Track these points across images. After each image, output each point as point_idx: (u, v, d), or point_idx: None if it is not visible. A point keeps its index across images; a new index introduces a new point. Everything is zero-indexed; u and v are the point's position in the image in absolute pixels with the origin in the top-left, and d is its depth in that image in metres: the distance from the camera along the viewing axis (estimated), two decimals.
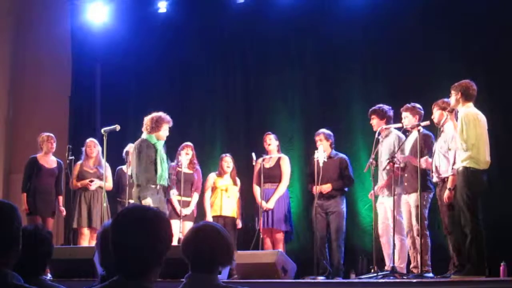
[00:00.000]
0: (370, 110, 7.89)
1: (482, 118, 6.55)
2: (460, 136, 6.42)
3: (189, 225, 8.15)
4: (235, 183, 8.80)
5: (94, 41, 10.70)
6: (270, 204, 8.42)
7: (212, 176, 8.89)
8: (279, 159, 8.64)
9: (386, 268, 7.34)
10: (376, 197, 7.75)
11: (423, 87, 8.49)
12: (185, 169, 8.55)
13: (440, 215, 7.16)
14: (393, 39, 9.16)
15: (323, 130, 8.29)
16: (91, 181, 8.80)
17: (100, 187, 8.69)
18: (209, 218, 8.62)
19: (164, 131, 7.66)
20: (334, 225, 8.06)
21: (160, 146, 7.62)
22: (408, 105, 7.51)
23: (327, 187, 8.08)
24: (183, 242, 3.03)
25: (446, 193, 6.74)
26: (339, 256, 7.98)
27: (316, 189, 7.93)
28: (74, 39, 10.89)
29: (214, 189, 8.79)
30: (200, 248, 2.94)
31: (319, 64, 9.60)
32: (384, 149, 7.66)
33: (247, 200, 8.99)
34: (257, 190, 8.60)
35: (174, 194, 8.35)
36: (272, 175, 8.53)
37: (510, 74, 8.41)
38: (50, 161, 8.85)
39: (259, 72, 9.96)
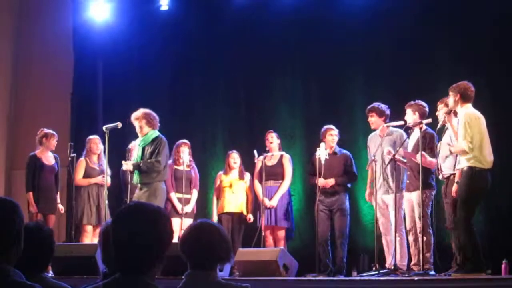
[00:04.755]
0: (369, 107, 7.91)
1: (482, 118, 6.57)
2: (464, 137, 6.42)
3: (189, 222, 8.15)
4: (241, 178, 8.77)
5: (96, 38, 10.69)
6: (274, 202, 8.41)
7: (219, 175, 8.90)
8: (281, 157, 8.63)
9: (388, 265, 7.34)
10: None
11: (424, 86, 8.48)
12: (182, 167, 8.52)
13: (446, 213, 7.14)
14: (394, 37, 9.16)
15: (330, 126, 8.26)
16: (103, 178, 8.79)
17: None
18: (214, 218, 8.63)
19: None
20: (338, 223, 8.01)
21: None
22: (412, 102, 7.51)
23: (330, 181, 8.03)
24: (181, 240, 3.04)
25: (454, 187, 6.72)
26: (342, 254, 7.95)
27: (318, 181, 7.87)
28: (76, 36, 10.88)
29: (221, 187, 8.80)
30: (198, 246, 2.95)
31: (320, 62, 9.58)
32: (386, 147, 7.64)
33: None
34: (258, 187, 8.60)
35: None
36: (275, 173, 8.53)
37: (510, 73, 8.40)
38: (49, 158, 8.82)
39: (261, 69, 9.95)
